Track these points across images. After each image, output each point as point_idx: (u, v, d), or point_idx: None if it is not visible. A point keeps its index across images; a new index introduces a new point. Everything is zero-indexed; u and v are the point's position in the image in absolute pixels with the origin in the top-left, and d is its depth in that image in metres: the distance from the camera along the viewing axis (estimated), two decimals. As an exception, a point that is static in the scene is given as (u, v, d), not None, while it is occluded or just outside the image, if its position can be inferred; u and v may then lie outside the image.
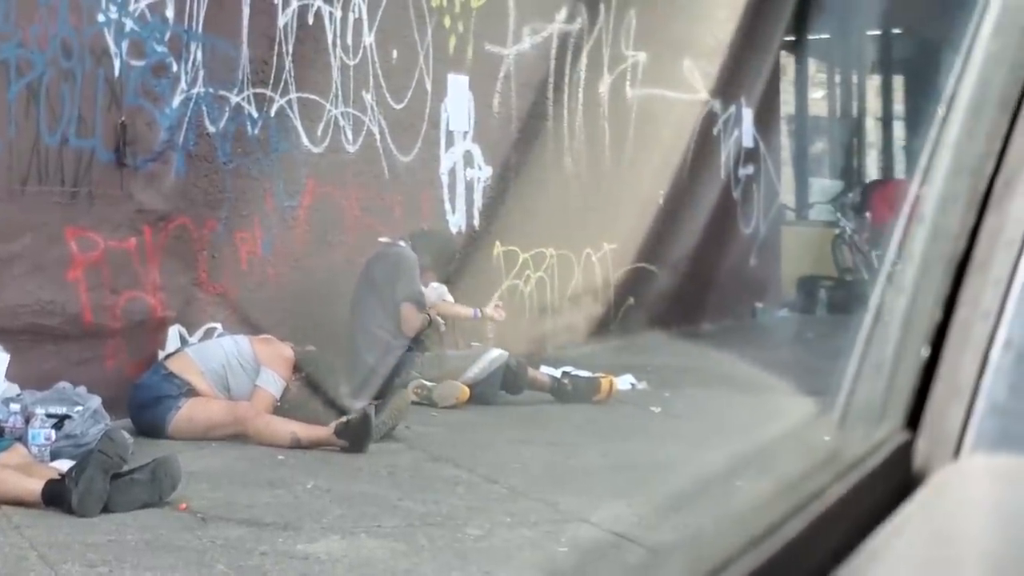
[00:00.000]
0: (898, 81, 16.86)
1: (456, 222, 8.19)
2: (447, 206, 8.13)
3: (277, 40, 6.75)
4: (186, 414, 5.45)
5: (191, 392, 5.52)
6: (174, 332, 6.15)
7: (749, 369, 7.28)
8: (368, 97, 7.43)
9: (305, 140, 6.98)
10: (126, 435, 4.48)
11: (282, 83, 6.79)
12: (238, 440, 5.42)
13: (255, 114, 6.62)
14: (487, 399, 6.70)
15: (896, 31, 16.17)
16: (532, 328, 8.67)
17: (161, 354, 5.93)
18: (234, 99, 6.50)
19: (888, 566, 0.76)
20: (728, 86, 11.11)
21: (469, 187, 8.30)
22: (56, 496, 4.13)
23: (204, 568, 3.60)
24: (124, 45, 5.87)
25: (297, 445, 5.34)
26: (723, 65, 10.83)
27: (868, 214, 13.59)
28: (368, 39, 7.41)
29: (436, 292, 6.99)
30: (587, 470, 5.18)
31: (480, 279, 7.99)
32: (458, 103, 8.18)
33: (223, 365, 5.66)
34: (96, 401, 5.09)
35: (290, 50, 6.82)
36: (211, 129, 6.35)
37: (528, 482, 4.87)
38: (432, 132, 7.97)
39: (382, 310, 6.69)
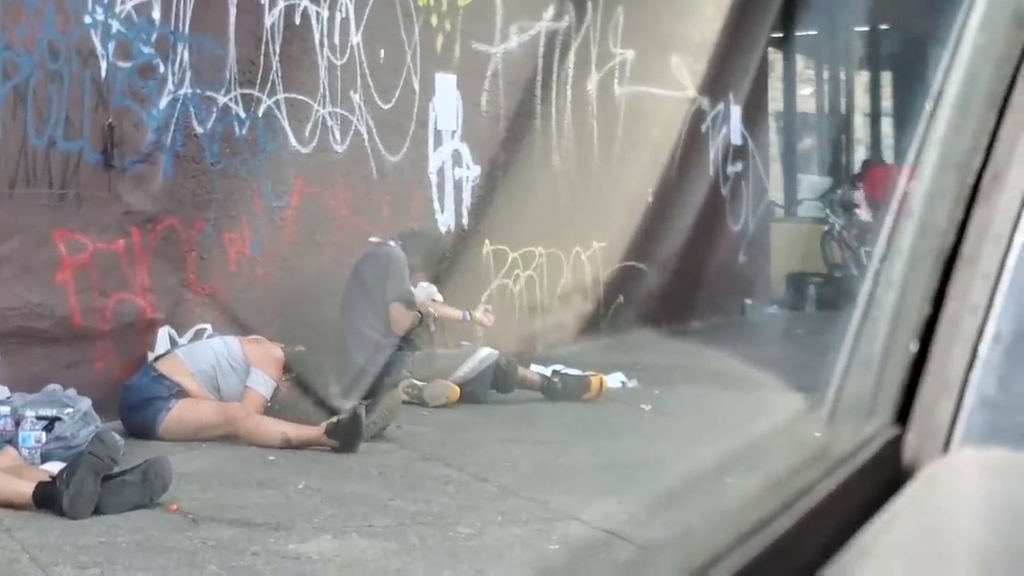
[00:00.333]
0: (886, 77, 16.90)
1: (445, 221, 8.19)
2: (436, 205, 8.13)
3: (264, 40, 6.74)
4: (176, 415, 5.44)
5: (181, 393, 5.51)
6: (164, 333, 6.14)
7: (739, 366, 7.29)
8: (356, 97, 7.42)
9: (293, 140, 6.97)
10: (117, 437, 4.47)
11: (269, 83, 6.78)
12: (229, 441, 5.42)
13: (243, 114, 6.61)
14: (477, 398, 6.70)
15: (884, 27, 16.20)
16: (522, 327, 8.67)
17: (151, 356, 5.92)
18: (221, 100, 6.49)
19: (878, 560, 0.76)
20: (716, 83, 11.12)
21: (458, 186, 8.30)
22: (47, 498, 4.13)
23: (196, 569, 3.60)
24: (111, 46, 5.86)
25: (288, 445, 5.34)
26: (711, 62, 10.84)
27: (861, 191, 13.64)
28: (355, 39, 7.41)
29: (426, 292, 6.99)
30: (577, 468, 5.18)
31: (469, 278, 7.99)
32: (446, 102, 8.18)
33: (213, 366, 5.65)
34: (86, 403, 5.09)
35: (277, 50, 6.81)
36: (199, 130, 6.34)
37: (519, 481, 4.87)
38: (420, 131, 7.97)
39: (372, 310, 6.69)
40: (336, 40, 7.26)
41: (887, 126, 16.69)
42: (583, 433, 6.00)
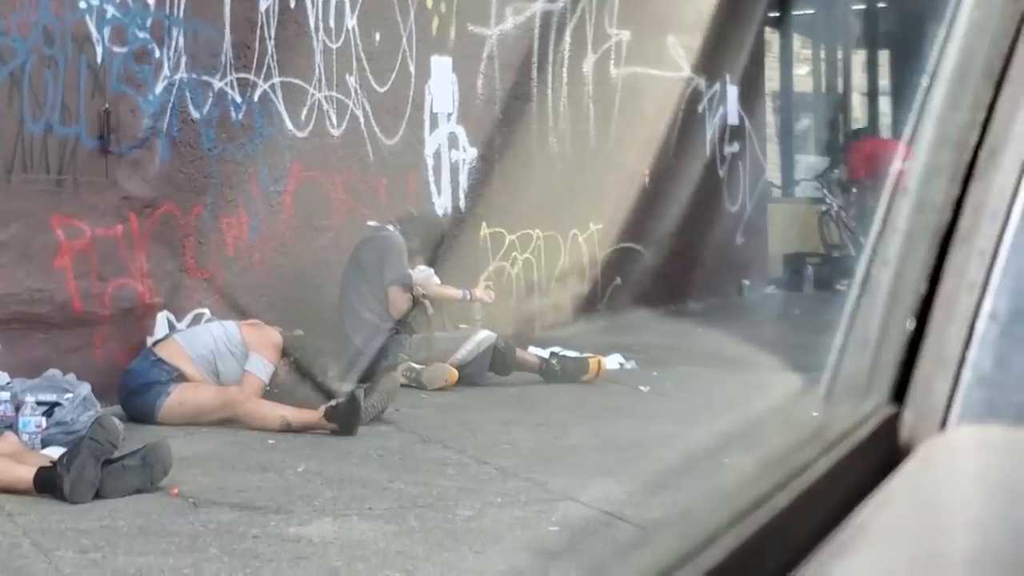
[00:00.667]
0: (884, 55, 16.86)
1: (442, 204, 8.19)
2: (432, 188, 8.12)
3: (259, 24, 6.73)
4: (176, 400, 5.45)
5: (180, 378, 5.52)
6: (162, 318, 6.15)
7: (737, 346, 7.30)
8: (352, 80, 7.41)
9: (289, 124, 6.96)
10: (117, 421, 4.48)
11: (265, 68, 6.77)
12: (228, 425, 5.43)
13: (238, 99, 6.60)
14: (475, 381, 6.71)
15: (881, 4, 16.16)
16: (520, 309, 8.68)
17: (150, 340, 5.93)
18: (217, 84, 6.48)
19: (875, 539, 0.77)
20: (713, 63, 11.10)
21: (454, 169, 8.30)
22: (48, 483, 4.14)
23: (197, 552, 3.61)
24: (106, 32, 5.85)
25: (287, 429, 5.35)
26: (707, 42, 10.82)
27: (844, 169, 13.65)
28: (351, 22, 7.39)
29: (424, 275, 6.99)
30: (576, 450, 5.19)
31: (467, 261, 7.99)
32: (442, 85, 8.16)
33: (212, 351, 5.66)
34: (86, 388, 5.10)
35: (272, 34, 6.80)
36: (195, 115, 6.34)
37: (518, 462, 4.88)
38: (416, 114, 7.96)
39: (370, 294, 6.70)
40: (331, 23, 7.25)
41: (885, 105, 16.66)
42: (582, 415, 6.01)
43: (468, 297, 7.15)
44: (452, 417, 5.87)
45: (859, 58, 16.81)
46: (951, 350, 0.96)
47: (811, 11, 14.90)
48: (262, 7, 6.75)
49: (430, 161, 8.11)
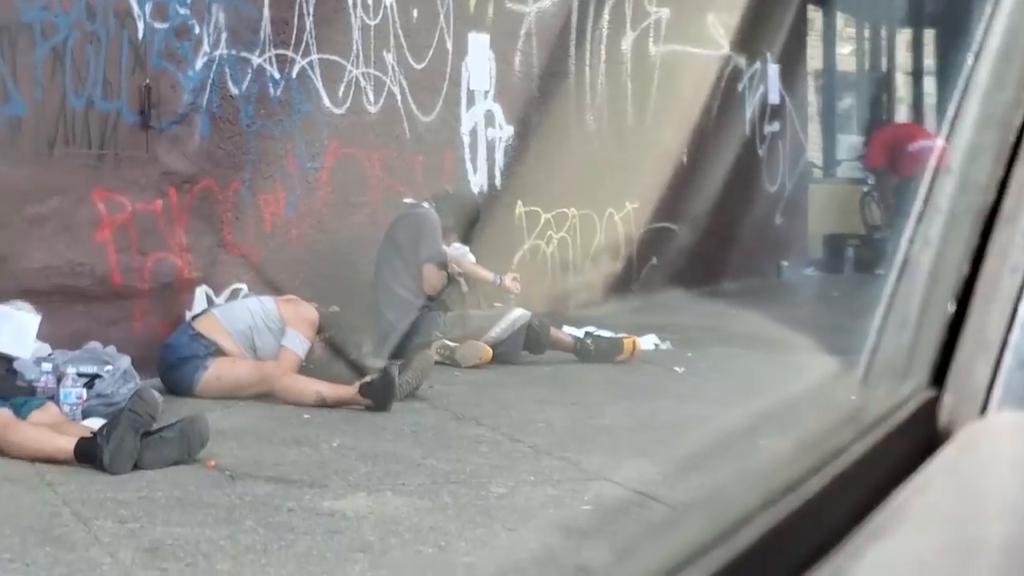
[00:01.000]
0: (929, 35, 16.65)
1: (478, 182, 8.18)
2: (468, 166, 8.12)
3: (298, 1, 6.73)
4: (214, 373, 5.49)
5: (218, 352, 5.56)
6: (201, 293, 6.18)
7: (774, 328, 7.26)
8: (389, 57, 7.41)
9: (327, 101, 6.97)
10: (155, 394, 4.52)
11: (303, 44, 6.78)
12: (264, 399, 5.46)
13: (277, 75, 6.61)
14: (510, 359, 6.72)
15: (928, -18, 15.97)
16: (554, 288, 8.67)
17: (188, 315, 5.97)
18: (256, 61, 6.49)
19: (911, 523, 0.76)
20: (754, 42, 11.02)
21: (490, 147, 8.28)
22: (88, 454, 4.18)
23: (233, 524, 3.64)
24: (147, 7, 5.87)
25: (322, 404, 5.38)
26: (748, 20, 10.74)
27: (864, 157, 13.53)
28: (389, -1, 7.39)
29: (459, 252, 6.99)
30: (610, 429, 5.19)
31: (502, 239, 7.99)
32: (479, 62, 8.14)
33: (249, 326, 5.69)
34: (126, 361, 5.14)
35: (311, 11, 6.81)
36: (234, 91, 6.36)
37: (551, 441, 4.89)
38: (453, 92, 7.95)
39: (405, 271, 6.71)
40: (369, 0, 7.24)
41: (930, 85, 16.47)
42: (616, 395, 6.00)
43: (498, 282, 7.17)
44: (486, 395, 5.88)
45: (904, 37, 16.62)
46: (993, 333, 0.95)
47: (855, -11, 14.74)
48: (301, -17, 6.75)
49: (466, 139, 8.10)
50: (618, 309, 8.83)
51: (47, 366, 4.92)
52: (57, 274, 5.52)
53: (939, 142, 1.06)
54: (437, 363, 6.20)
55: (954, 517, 0.78)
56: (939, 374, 0.95)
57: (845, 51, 15.79)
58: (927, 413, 0.92)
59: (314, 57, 6.86)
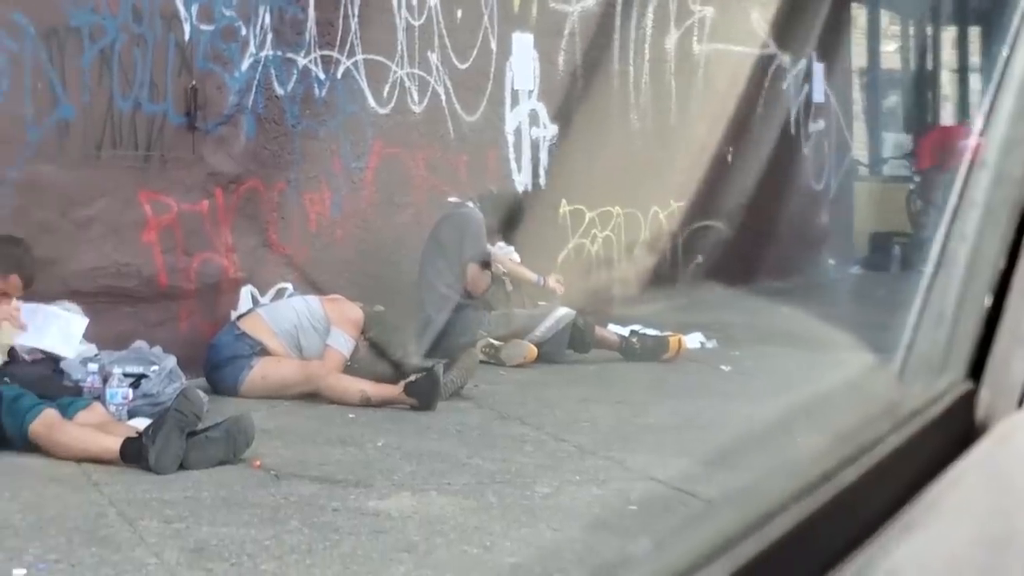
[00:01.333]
0: (975, 32, 16.50)
1: (522, 181, 8.18)
2: (513, 165, 8.12)
3: (343, 2, 6.77)
4: (259, 373, 5.52)
5: (263, 352, 5.59)
6: (246, 293, 6.23)
7: (820, 327, 7.20)
8: (433, 57, 7.42)
9: (371, 101, 7.00)
10: (201, 394, 4.55)
11: (348, 45, 6.81)
12: (309, 399, 5.49)
13: (322, 76, 6.65)
14: (554, 358, 6.71)
15: (972, -20, 15.82)
16: (599, 287, 8.66)
17: (234, 314, 6.01)
18: (301, 62, 6.53)
19: (945, 517, 0.75)
20: (798, 40, 10.95)
21: (534, 146, 8.29)
22: (134, 453, 4.21)
23: (278, 524, 3.65)
24: (194, 9, 5.92)
25: (367, 403, 5.39)
26: (793, 19, 10.67)
27: (915, 160, 13.40)
28: (433, -1, 7.41)
29: (503, 252, 7.00)
30: (655, 428, 5.18)
31: (546, 238, 7.99)
32: (523, 61, 8.15)
33: (295, 325, 5.71)
34: (172, 361, 5.18)
35: (356, 12, 6.84)
36: (279, 92, 6.40)
37: (596, 440, 4.88)
38: (497, 91, 7.96)
39: (450, 270, 6.72)
40: (413, 1, 7.27)
41: (975, 82, 16.31)
42: (661, 393, 5.98)
43: (542, 283, 7.17)
44: (531, 394, 5.88)
45: (949, 34, 16.47)
46: (1030, 327, 0.94)
47: (899, -14, 14.62)
48: (346, -15, 6.79)
49: (510, 138, 8.11)
50: (663, 307, 8.80)
51: (93, 366, 4.96)
52: (104, 275, 5.57)
53: (974, 135, 1.05)
54: (482, 362, 6.21)
55: (989, 511, 0.78)
56: (976, 368, 0.95)
57: (890, 48, 15.66)
58: (963, 407, 0.91)
59: (359, 58, 6.89)
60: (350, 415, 5.27)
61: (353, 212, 6.89)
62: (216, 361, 5.59)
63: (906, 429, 0.83)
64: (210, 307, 6.03)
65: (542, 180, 8.36)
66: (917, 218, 13.10)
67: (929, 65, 16.02)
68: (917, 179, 13.24)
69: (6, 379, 4.63)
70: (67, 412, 4.43)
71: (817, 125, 11.74)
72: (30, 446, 4.33)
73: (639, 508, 3.95)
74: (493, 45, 7.90)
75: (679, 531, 0.71)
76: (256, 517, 3.72)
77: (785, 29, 10.68)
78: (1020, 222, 0.96)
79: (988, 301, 0.95)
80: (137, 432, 4.33)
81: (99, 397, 4.81)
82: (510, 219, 7.13)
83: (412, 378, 5.44)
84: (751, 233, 10.19)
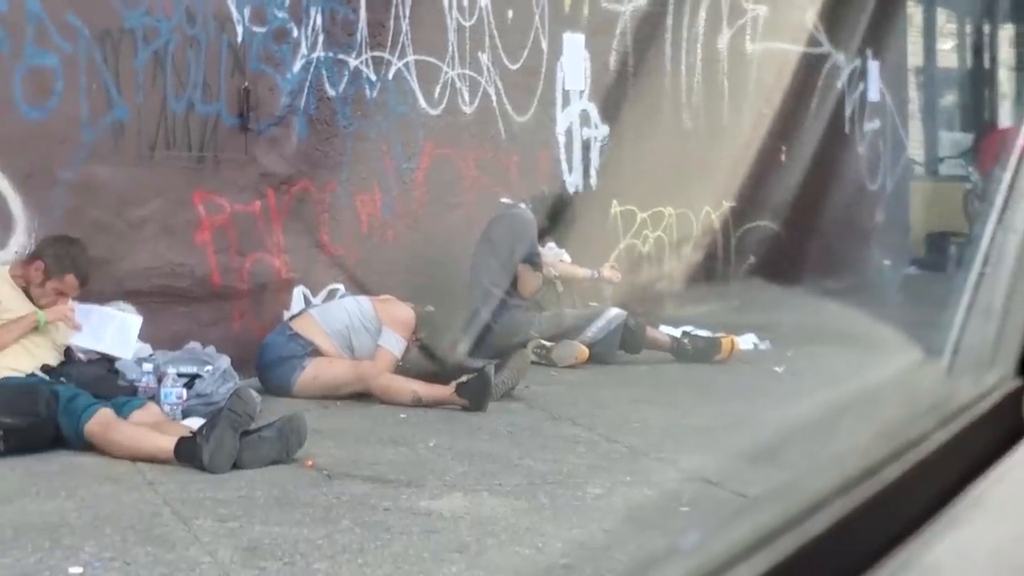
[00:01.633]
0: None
1: (573, 182, 8.17)
2: (564, 166, 8.11)
3: (394, 3, 6.79)
4: (311, 373, 5.55)
5: (316, 352, 5.61)
6: (298, 293, 6.26)
7: (874, 327, 7.13)
8: (484, 58, 7.43)
9: (422, 102, 7.02)
10: (254, 394, 4.57)
11: (399, 46, 6.83)
12: (361, 399, 5.51)
13: (373, 77, 6.67)
14: (606, 359, 6.69)
15: (1029, -23, 15.61)
16: (651, 287, 8.62)
17: (286, 315, 6.05)
18: (353, 63, 6.56)
19: (990, 512, 0.74)
20: (853, 39, 10.86)
21: (586, 146, 8.27)
22: (188, 453, 4.23)
23: (330, 523, 3.67)
24: (246, 11, 5.96)
25: (418, 404, 5.40)
26: (848, 17, 10.58)
27: (977, 163, 13.23)
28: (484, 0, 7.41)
29: (554, 253, 6.99)
30: (707, 429, 5.14)
31: (598, 239, 7.98)
32: (574, 62, 8.13)
33: (346, 326, 5.73)
34: (225, 361, 5.21)
35: (407, 13, 6.86)
36: (331, 93, 6.43)
37: (648, 441, 4.85)
38: (548, 92, 7.95)
39: (501, 271, 6.72)
40: (464, 1, 7.28)
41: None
42: (713, 394, 5.95)
43: (596, 276, 7.16)
44: (582, 395, 5.87)
45: (1007, 32, 16.26)
46: (1081, 324, 0.92)
47: (956, -17, 14.46)
48: (397, -14, 6.81)
49: (561, 138, 8.10)
50: (716, 308, 8.75)
51: (148, 366, 5.00)
52: (158, 275, 5.62)
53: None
54: (533, 363, 6.20)
55: (1035, 508, 0.76)
56: (1025, 364, 0.93)
57: (946, 47, 15.49)
58: (1012, 403, 0.89)
59: (410, 58, 6.91)
60: (401, 415, 5.28)
61: (404, 213, 6.91)
62: (269, 361, 5.62)
63: (953, 425, 0.82)
64: (262, 307, 6.07)
65: (593, 181, 8.34)
66: (976, 219, 12.93)
67: (986, 63, 15.83)
68: (976, 179, 13.08)
69: (62, 379, 4.69)
70: (122, 412, 4.48)
71: (872, 124, 11.63)
72: (86, 445, 4.38)
73: (691, 509, 3.92)
74: (544, 45, 7.89)
75: (721, 525, 0.70)
76: (308, 516, 3.73)
77: (839, 27, 10.60)
78: None
79: (1038, 295, 0.94)
80: (191, 432, 4.36)
81: (154, 397, 4.86)
82: (561, 220, 7.12)
83: (463, 379, 5.45)
84: (804, 233, 10.12)
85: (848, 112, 11.23)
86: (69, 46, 5.24)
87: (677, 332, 7.06)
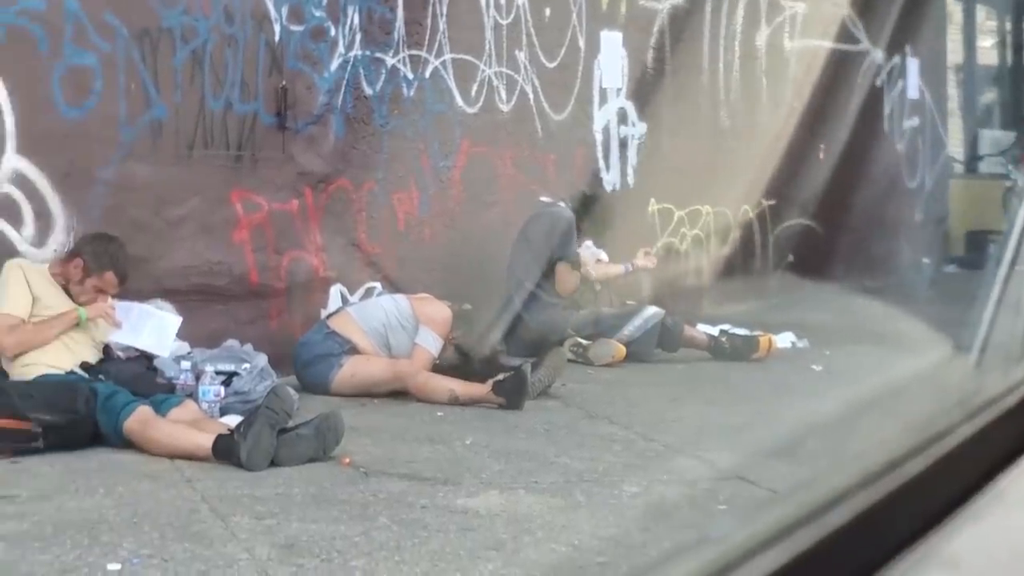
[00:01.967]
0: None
1: (610, 180, 8.16)
2: (601, 164, 8.10)
3: (431, 2, 6.80)
4: (348, 371, 5.57)
5: (353, 350, 5.63)
6: (335, 291, 6.28)
7: (913, 325, 7.08)
8: (521, 56, 7.43)
9: (459, 100, 7.03)
10: (291, 391, 4.59)
11: (436, 44, 6.84)
12: (398, 397, 5.52)
13: (410, 76, 6.69)
14: (643, 357, 6.68)
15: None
16: (688, 286, 8.60)
17: (323, 313, 6.07)
18: (390, 61, 6.58)
19: (1014, 506, 0.74)
20: (892, 36, 10.79)
21: (623, 144, 8.26)
22: (225, 450, 4.25)
23: (367, 521, 3.68)
24: (284, 10, 5.99)
25: (455, 402, 5.41)
26: (887, 14, 10.52)
27: (1020, 158, 13.11)
28: (521, -2, 7.42)
29: (591, 252, 6.98)
30: (744, 428, 5.13)
31: (635, 237, 7.96)
32: (611, 60, 8.12)
33: (384, 324, 5.75)
34: (263, 359, 5.24)
35: (444, 11, 6.87)
36: (368, 91, 6.45)
37: (685, 440, 4.84)
38: (585, 90, 7.94)
39: (538, 269, 6.72)
40: (502, 0, 7.28)
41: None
42: (751, 393, 5.93)
43: (631, 268, 7.14)
44: (619, 393, 5.86)
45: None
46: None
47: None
48: (435, -16, 6.82)
49: (599, 136, 8.09)
50: (754, 307, 8.71)
51: (186, 364, 5.04)
52: (196, 274, 5.66)
53: None
54: (570, 361, 6.20)
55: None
56: (1055, 358, 0.92)
57: (986, 44, 15.36)
58: (1040, 397, 0.89)
59: (447, 57, 6.92)
60: (438, 413, 5.29)
61: (441, 211, 6.92)
62: (306, 359, 5.64)
63: (979, 419, 0.81)
64: (300, 305, 6.10)
65: (630, 179, 8.33)
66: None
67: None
68: (1016, 178, 12.96)
69: (101, 376, 4.73)
70: (160, 409, 4.50)
71: (911, 122, 11.55)
72: (124, 442, 4.40)
73: (727, 507, 3.91)
74: (581, 43, 7.89)
75: (745, 517, 0.70)
76: (345, 514, 3.75)
77: (878, 25, 10.53)
78: None
79: (1067, 290, 0.93)
80: (229, 429, 4.38)
81: (192, 394, 4.89)
82: (599, 219, 7.12)
83: (500, 377, 5.45)
84: (843, 231, 10.06)
85: (887, 110, 11.16)
86: (107, 45, 5.28)
87: (714, 330, 7.04)
